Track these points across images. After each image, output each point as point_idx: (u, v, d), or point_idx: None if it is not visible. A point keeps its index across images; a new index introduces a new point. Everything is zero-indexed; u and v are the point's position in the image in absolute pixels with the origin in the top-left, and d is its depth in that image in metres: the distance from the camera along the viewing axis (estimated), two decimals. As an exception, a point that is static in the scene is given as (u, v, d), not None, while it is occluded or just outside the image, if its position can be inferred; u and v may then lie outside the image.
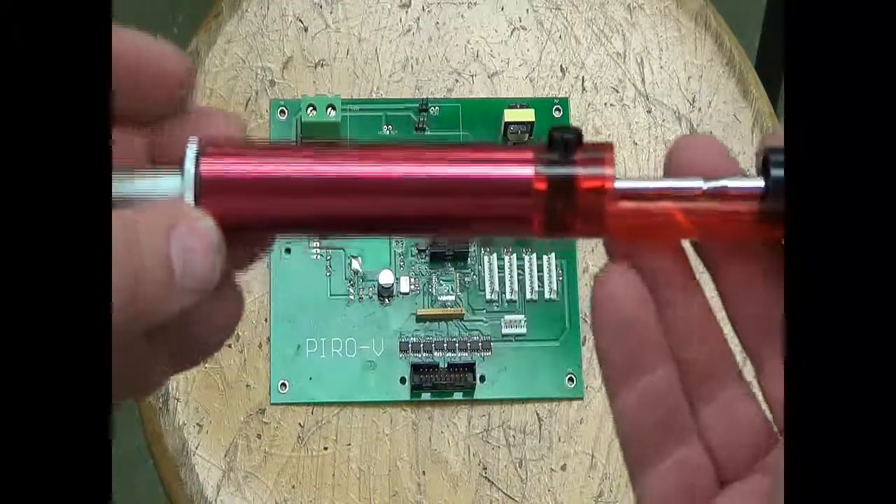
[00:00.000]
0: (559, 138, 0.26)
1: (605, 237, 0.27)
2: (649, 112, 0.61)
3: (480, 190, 0.27)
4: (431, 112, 0.60)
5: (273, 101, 0.60)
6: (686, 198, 0.26)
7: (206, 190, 0.27)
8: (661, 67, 0.62)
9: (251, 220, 0.27)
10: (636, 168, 0.61)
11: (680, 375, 0.27)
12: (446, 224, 0.27)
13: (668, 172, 0.27)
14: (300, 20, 0.62)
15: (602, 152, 0.26)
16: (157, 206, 0.26)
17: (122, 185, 0.26)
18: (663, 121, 0.61)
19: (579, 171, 0.26)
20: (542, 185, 0.26)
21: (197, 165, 0.27)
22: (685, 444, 0.27)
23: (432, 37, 0.62)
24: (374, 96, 0.61)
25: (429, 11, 0.62)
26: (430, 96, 0.61)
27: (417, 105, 0.60)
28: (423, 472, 0.56)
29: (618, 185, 0.26)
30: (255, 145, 0.28)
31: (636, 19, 0.62)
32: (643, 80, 0.62)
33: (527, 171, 0.26)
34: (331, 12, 0.62)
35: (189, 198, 0.27)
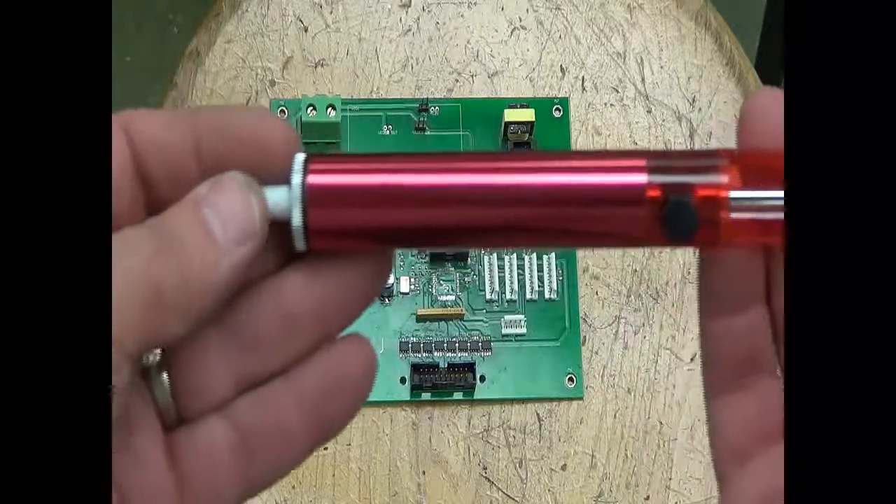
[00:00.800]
0: (675, 210, 0.26)
1: (719, 248, 0.27)
2: (649, 112, 0.61)
3: (593, 198, 0.26)
4: (431, 112, 0.60)
5: (273, 101, 0.60)
6: None
7: (314, 201, 0.26)
8: (661, 67, 0.62)
9: (361, 233, 0.26)
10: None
11: (780, 312, 0.28)
12: (557, 233, 0.26)
13: (742, 138, 0.27)
14: (300, 20, 0.62)
15: (717, 159, 0.26)
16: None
17: None
18: (663, 121, 0.61)
19: (694, 179, 0.26)
20: (655, 193, 0.26)
21: (304, 176, 0.26)
22: (761, 383, 0.28)
23: (432, 37, 0.62)
24: (374, 96, 0.61)
25: (429, 11, 0.62)
26: (430, 96, 0.61)
27: (417, 105, 0.60)
28: (423, 472, 0.56)
29: (733, 194, 0.26)
30: (359, 156, 0.27)
31: (636, 19, 0.62)
32: (643, 80, 0.62)
33: (640, 178, 0.26)
34: (331, 12, 0.62)
35: (297, 211, 0.26)
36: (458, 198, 0.26)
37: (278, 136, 0.26)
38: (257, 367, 0.27)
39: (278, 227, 0.27)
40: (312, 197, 0.26)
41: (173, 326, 0.25)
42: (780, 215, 0.25)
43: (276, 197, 0.26)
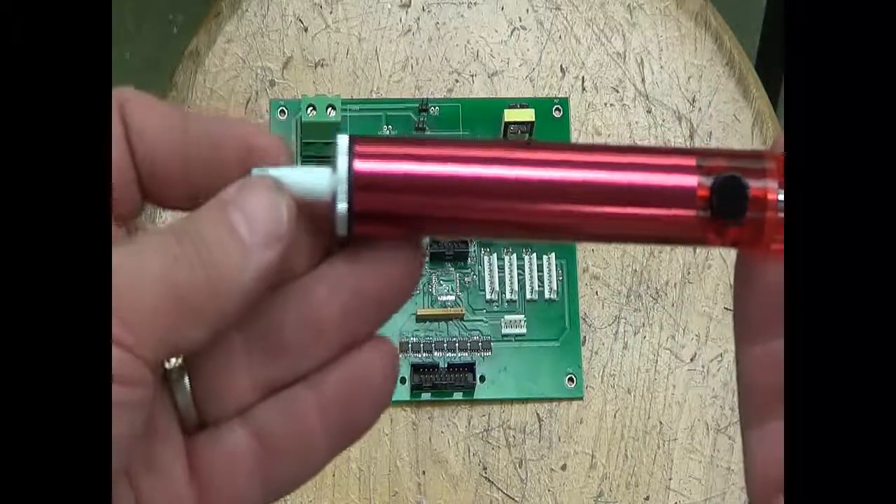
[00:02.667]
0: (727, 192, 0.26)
1: (761, 248, 0.27)
2: (649, 112, 0.61)
3: (641, 197, 0.26)
4: (431, 112, 0.60)
5: (273, 101, 0.60)
6: None
7: (360, 186, 0.25)
8: (661, 67, 0.62)
9: (403, 219, 0.26)
10: (636, 168, 0.61)
11: None
12: (601, 230, 0.26)
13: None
14: (300, 20, 0.62)
15: (765, 161, 0.26)
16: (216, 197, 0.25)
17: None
18: (663, 121, 0.61)
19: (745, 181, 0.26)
20: (704, 193, 0.26)
21: (350, 160, 0.26)
22: None
23: (432, 37, 0.62)
24: (374, 96, 0.61)
25: (429, 11, 0.62)
26: (430, 96, 0.61)
27: (417, 105, 0.60)
28: (423, 472, 0.56)
29: (781, 196, 0.26)
30: (403, 140, 0.26)
31: (636, 19, 0.62)
32: (643, 80, 0.62)
33: (690, 179, 0.26)
34: (331, 12, 0.62)
35: (342, 196, 0.25)
36: (505, 190, 0.26)
37: (270, 151, 0.26)
38: (281, 373, 0.27)
39: (311, 219, 0.26)
40: (359, 182, 0.25)
41: (196, 332, 0.24)
42: None
43: (319, 180, 0.26)
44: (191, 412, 0.26)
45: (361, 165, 0.26)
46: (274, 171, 0.26)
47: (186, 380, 0.26)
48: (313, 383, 0.27)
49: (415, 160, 0.26)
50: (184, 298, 0.24)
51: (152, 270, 0.24)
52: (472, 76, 0.61)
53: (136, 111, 0.26)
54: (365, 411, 0.27)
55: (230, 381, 0.26)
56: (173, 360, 0.26)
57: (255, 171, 0.25)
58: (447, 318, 0.58)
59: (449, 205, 0.26)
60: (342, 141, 0.26)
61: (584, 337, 0.58)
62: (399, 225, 0.26)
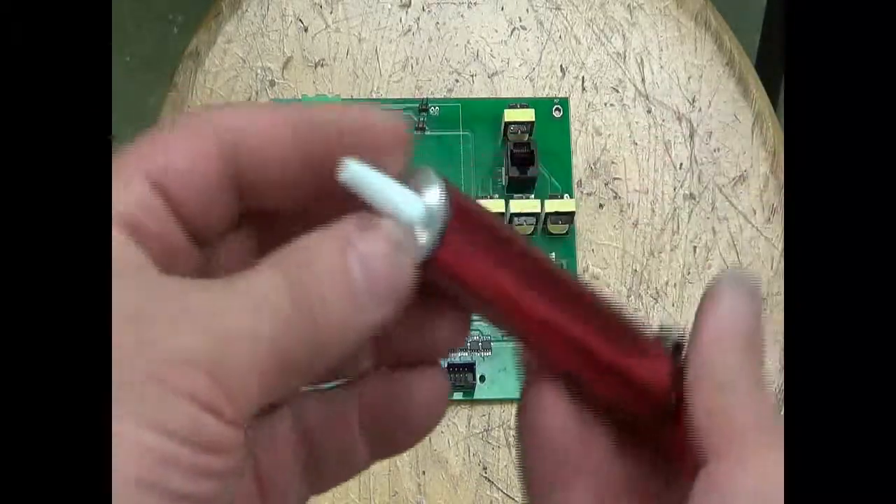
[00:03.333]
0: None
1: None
2: (649, 112, 0.61)
3: (623, 377, 0.28)
4: (431, 112, 0.60)
5: (273, 101, 0.60)
6: None
7: (455, 227, 0.24)
8: (661, 67, 0.62)
9: (467, 282, 0.25)
10: (636, 168, 0.61)
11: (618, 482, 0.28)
12: (582, 384, 0.29)
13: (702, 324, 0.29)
14: (300, 20, 0.62)
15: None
16: (333, 227, 0.23)
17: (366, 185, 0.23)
18: (663, 121, 0.61)
19: None
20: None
21: (448, 195, 0.23)
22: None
23: (432, 37, 0.62)
24: (374, 96, 0.61)
25: (429, 11, 0.62)
26: (430, 96, 0.61)
27: (417, 105, 0.60)
28: (423, 472, 0.56)
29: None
30: (501, 232, 0.25)
31: (636, 19, 0.62)
32: (643, 80, 0.62)
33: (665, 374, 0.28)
34: (331, 12, 0.62)
35: (432, 230, 0.23)
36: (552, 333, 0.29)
37: (388, 147, 0.24)
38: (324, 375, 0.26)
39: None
40: (456, 222, 0.24)
41: (292, 387, 0.23)
42: None
43: (405, 209, 0.23)
44: None
45: (447, 255, 0.24)
46: (365, 176, 0.23)
47: None
48: (359, 391, 0.27)
49: (499, 264, 0.25)
50: (289, 359, 0.22)
51: (264, 334, 0.22)
52: (472, 76, 0.61)
53: (242, 134, 0.24)
54: (403, 436, 0.27)
55: None
56: None
57: (348, 167, 0.23)
58: (447, 318, 0.58)
59: (493, 310, 0.27)
60: (441, 196, 0.24)
61: (584, 337, 0.58)
62: (456, 295, 0.26)
